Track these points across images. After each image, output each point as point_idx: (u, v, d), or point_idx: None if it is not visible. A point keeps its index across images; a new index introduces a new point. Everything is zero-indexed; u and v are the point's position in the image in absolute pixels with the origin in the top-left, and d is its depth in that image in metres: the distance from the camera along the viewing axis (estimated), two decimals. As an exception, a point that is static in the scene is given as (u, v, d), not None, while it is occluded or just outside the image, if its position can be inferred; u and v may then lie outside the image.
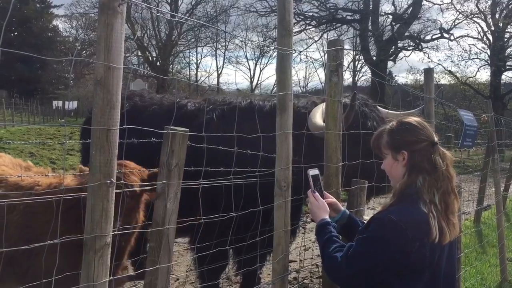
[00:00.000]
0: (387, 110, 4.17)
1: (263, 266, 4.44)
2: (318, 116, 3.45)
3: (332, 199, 2.56)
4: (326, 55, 2.96)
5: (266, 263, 4.26)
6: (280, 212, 2.64)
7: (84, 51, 45.12)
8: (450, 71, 32.31)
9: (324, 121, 3.10)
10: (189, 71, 50.15)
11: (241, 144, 2.93)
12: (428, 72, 4.57)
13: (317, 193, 2.44)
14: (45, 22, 54.45)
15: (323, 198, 2.45)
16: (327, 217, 2.36)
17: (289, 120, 2.62)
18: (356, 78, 48.62)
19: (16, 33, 49.77)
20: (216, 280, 4.05)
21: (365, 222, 2.29)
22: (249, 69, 52.39)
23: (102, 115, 1.63)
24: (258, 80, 52.01)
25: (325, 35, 34.29)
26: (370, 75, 37.81)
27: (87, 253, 1.67)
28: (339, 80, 2.90)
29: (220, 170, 2.86)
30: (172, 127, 2.10)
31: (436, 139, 2.16)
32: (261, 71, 60.12)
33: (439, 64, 33.29)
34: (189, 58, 48.98)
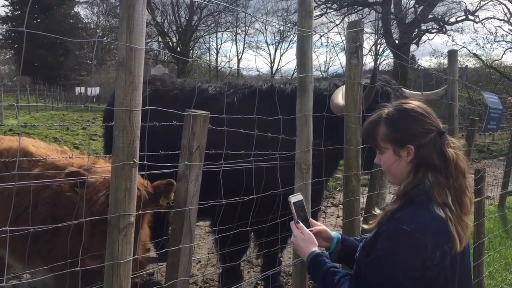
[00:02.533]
0: (409, 91, 4.08)
1: (284, 249, 4.46)
2: (340, 97, 3.42)
3: (321, 226, 2.14)
4: (346, 37, 2.92)
5: (287, 246, 4.28)
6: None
7: (105, 37, 45.50)
8: (475, 54, 31.46)
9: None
10: (209, 57, 50.21)
11: (262, 127, 2.92)
12: (452, 53, 4.51)
13: (301, 224, 2.03)
14: (67, 9, 55.09)
15: (309, 227, 2.06)
16: (316, 249, 1.96)
17: (310, 103, 2.61)
18: (378, 62, 47.89)
19: (38, 20, 50.43)
20: (237, 262, 4.09)
21: (364, 238, 2.01)
22: (269, 54, 52.12)
23: (125, 97, 1.64)
24: (278, 65, 51.75)
25: (346, 19, 33.73)
26: (392, 59, 37.18)
27: (111, 232, 1.71)
28: (359, 62, 2.86)
29: (241, 153, 2.86)
30: (193, 110, 2.11)
31: (442, 127, 1.82)
32: (281, 56, 59.63)
33: (464, 47, 32.42)
34: (209, 43, 48.99)
